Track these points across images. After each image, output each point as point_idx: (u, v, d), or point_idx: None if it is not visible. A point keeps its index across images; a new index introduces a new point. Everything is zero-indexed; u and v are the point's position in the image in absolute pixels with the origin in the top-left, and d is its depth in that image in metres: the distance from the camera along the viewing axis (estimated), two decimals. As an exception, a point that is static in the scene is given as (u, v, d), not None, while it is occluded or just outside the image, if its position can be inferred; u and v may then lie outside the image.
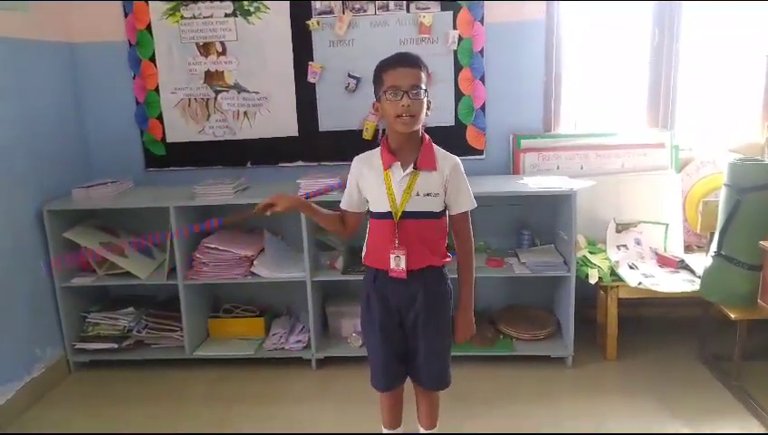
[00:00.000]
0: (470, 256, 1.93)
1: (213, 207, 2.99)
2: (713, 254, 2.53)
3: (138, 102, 3.21)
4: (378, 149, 1.86)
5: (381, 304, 1.88)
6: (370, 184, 1.84)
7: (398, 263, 1.81)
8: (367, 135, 3.14)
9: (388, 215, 1.80)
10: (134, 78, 3.18)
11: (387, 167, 1.81)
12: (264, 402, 2.67)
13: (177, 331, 2.99)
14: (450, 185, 1.83)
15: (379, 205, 1.83)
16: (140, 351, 3.02)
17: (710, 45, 3.14)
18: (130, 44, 3.14)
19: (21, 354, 2.70)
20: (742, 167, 2.46)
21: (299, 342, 2.98)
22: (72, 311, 2.98)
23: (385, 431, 2.10)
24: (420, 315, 1.87)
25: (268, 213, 1.93)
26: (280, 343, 2.99)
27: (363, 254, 1.93)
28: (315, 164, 3.20)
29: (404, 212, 1.79)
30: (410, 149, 1.81)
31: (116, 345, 2.97)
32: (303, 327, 3.07)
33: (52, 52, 3.00)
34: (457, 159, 1.87)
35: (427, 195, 1.80)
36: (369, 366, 2.00)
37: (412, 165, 1.79)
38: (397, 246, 1.80)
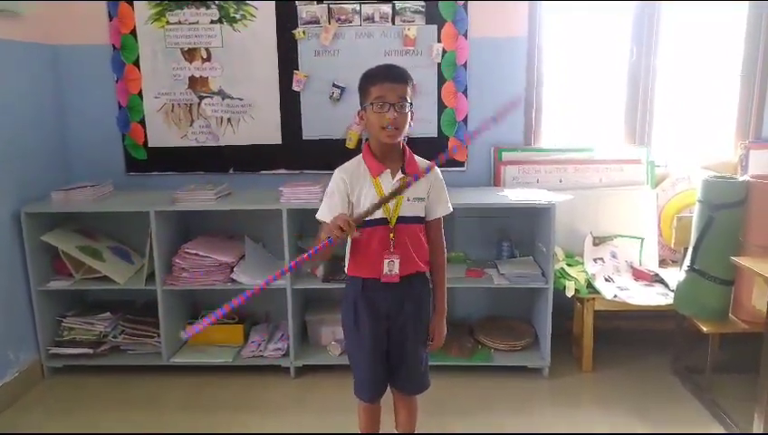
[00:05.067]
0: (444, 261, 1.98)
1: (194, 213, 2.99)
2: (686, 268, 2.59)
3: (120, 106, 3.19)
4: (358, 158, 1.88)
5: (370, 312, 1.89)
6: (363, 194, 1.84)
7: (391, 268, 1.83)
8: (350, 144, 3.16)
9: (382, 221, 1.82)
10: (117, 82, 3.16)
11: (376, 174, 1.83)
12: (242, 410, 2.65)
13: (154, 337, 2.97)
14: (433, 190, 1.88)
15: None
16: (116, 356, 2.98)
17: (686, 64, 3.23)
18: (114, 48, 3.13)
19: (-7, 358, 2.66)
20: (715, 184, 2.52)
21: (278, 349, 2.97)
22: (47, 315, 2.94)
23: (362, 437, 2.12)
24: (408, 321, 1.90)
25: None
26: (258, 351, 2.97)
27: (347, 265, 1.93)
28: (298, 172, 3.21)
29: (398, 217, 1.83)
30: (393, 157, 1.85)
31: (91, 351, 2.93)
32: (282, 335, 3.06)
33: (34, 53, 2.97)
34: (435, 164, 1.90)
35: (416, 199, 1.85)
36: (354, 377, 2.00)
37: (400, 171, 1.83)
38: (392, 250, 1.82)
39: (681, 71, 3.23)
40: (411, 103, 1.78)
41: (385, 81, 1.76)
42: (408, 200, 1.83)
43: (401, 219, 1.83)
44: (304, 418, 2.59)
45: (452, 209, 1.94)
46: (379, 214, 1.81)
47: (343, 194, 1.84)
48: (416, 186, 1.81)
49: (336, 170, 1.89)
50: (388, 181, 1.82)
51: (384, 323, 1.90)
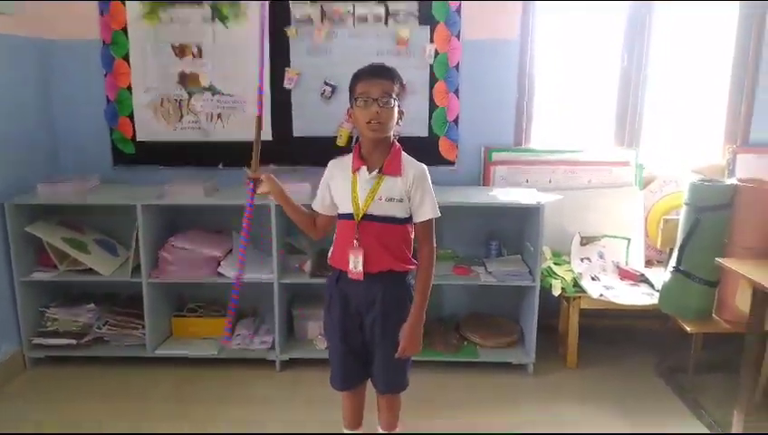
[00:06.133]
0: (428, 267, 1.88)
1: (182, 207, 2.98)
2: (671, 269, 2.61)
3: (108, 100, 3.18)
4: (351, 154, 1.90)
5: (342, 304, 1.90)
6: (339, 186, 1.88)
7: (355, 264, 1.83)
8: (340, 142, 3.17)
9: (351, 216, 1.84)
10: (106, 75, 3.15)
11: (355, 170, 1.84)
12: (227, 403, 2.64)
13: (138, 328, 2.94)
14: (414, 192, 1.84)
15: (344, 206, 1.86)
16: (100, 348, 2.96)
17: (677, 68, 3.27)
18: (104, 43, 3.12)
19: (-25, 349, 2.63)
20: (702, 187, 2.55)
21: (264, 343, 2.96)
22: (30, 306, 2.92)
23: (345, 432, 2.11)
24: (378, 319, 1.88)
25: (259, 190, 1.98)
26: (244, 344, 2.96)
27: (329, 254, 1.95)
28: (288, 168, 3.20)
29: (365, 215, 1.82)
30: (379, 155, 1.84)
31: (75, 341, 2.91)
32: (268, 329, 3.05)
33: (23, 47, 2.96)
34: (424, 166, 1.88)
35: (390, 200, 1.82)
36: (330, 367, 2.01)
37: (377, 169, 1.83)
38: (355, 246, 1.82)
39: (671, 75, 3.26)
40: (396, 99, 1.78)
41: (370, 77, 1.78)
42: (380, 199, 1.82)
43: (369, 217, 1.82)
44: (289, 411, 2.58)
45: (439, 214, 1.87)
46: (347, 209, 1.85)
47: (325, 185, 1.93)
48: (392, 186, 1.82)
49: (330, 161, 1.96)
50: (365, 178, 1.83)
51: (356, 318, 1.91)
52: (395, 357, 1.90)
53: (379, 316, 1.88)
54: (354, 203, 1.83)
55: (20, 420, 2.50)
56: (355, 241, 1.82)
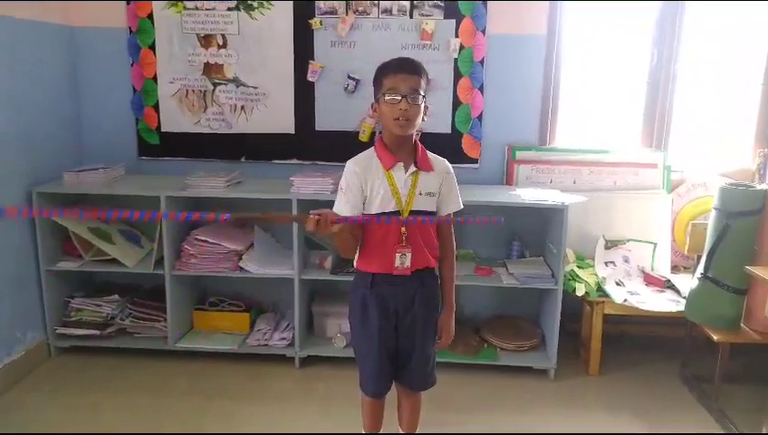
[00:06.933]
0: (454, 257, 1.98)
1: (205, 200, 2.99)
2: (699, 276, 2.55)
3: (134, 90, 3.19)
4: (370, 151, 1.87)
5: (380, 308, 1.88)
6: (373, 185, 1.82)
7: (403, 261, 1.83)
8: (363, 137, 3.14)
9: (393, 214, 1.81)
10: (132, 65, 3.16)
11: (389, 167, 1.81)
12: (245, 399, 2.65)
13: (160, 321, 2.97)
14: (444, 186, 1.88)
15: (385, 205, 1.81)
16: (123, 339, 2.99)
17: (707, 69, 3.18)
18: (131, 31, 3.13)
19: (1, 337, 2.66)
20: (732, 191, 2.49)
21: (283, 339, 2.97)
22: (55, 295, 2.95)
23: (364, 433, 2.11)
24: (417, 317, 1.89)
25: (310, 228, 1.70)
26: (264, 340, 2.98)
27: (356, 259, 1.92)
28: (310, 163, 3.19)
29: (410, 211, 1.82)
30: (406, 151, 1.84)
31: (98, 332, 2.94)
32: (288, 325, 3.06)
33: (51, 34, 2.98)
34: (445, 160, 1.93)
35: (428, 194, 1.85)
36: (360, 371, 1.99)
37: (413, 165, 1.82)
38: (404, 244, 1.81)
39: (702, 75, 3.18)
40: (424, 96, 1.77)
41: (398, 72, 1.75)
42: (421, 194, 1.83)
43: (413, 213, 1.83)
44: (307, 408, 2.59)
45: (462, 206, 1.95)
46: (390, 207, 1.81)
47: (358, 187, 1.83)
48: (428, 180, 1.83)
49: (348, 163, 1.87)
50: (401, 175, 1.81)
51: (393, 319, 1.90)
52: (434, 350, 1.96)
53: (418, 313, 1.89)
54: (397, 200, 1.81)
55: (43, 408, 2.54)
56: (403, 238, 1.81)
